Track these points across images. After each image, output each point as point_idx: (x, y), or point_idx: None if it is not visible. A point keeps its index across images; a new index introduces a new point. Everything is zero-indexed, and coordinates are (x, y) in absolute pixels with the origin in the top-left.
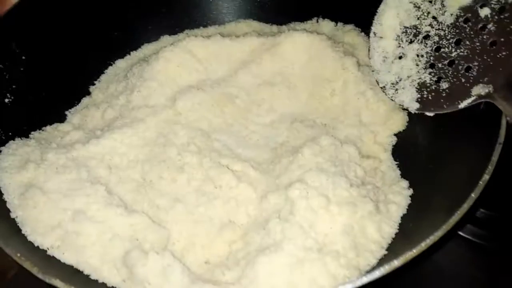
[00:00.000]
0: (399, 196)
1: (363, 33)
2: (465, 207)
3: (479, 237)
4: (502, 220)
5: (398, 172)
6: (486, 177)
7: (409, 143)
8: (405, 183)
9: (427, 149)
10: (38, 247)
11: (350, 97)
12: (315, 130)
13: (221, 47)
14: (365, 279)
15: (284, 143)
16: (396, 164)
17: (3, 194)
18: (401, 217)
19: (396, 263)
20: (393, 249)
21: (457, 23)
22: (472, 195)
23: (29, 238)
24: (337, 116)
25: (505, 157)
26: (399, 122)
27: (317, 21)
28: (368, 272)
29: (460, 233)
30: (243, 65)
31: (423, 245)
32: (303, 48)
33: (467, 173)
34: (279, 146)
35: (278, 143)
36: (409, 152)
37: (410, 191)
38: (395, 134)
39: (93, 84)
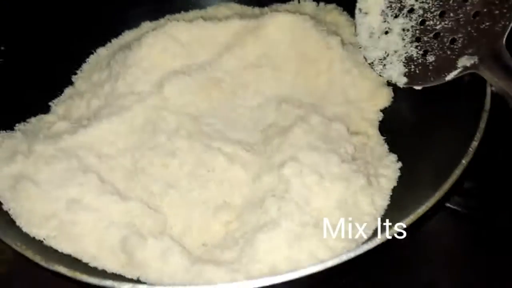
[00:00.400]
0: (388, 169)
1: (345, 12)
2: (457, 173)
3: (464, 207)
4: (486, 189)
5: (386, 146)
6: (475, 143)
7: (395, 118)
8: (393, 157)
9: (413, 123)
10: (34, 238)
11: (336, 76)
12: (303, 110)
13: (204, 31)
14: (364, 248)
15: (273, 124)
16: (384, 139)
17: None
18: (392, 189)
19: (392, 230)
20: (387, 219)
21: None
22: (463, 161)
23: (24, 230)
24: (324, 95)
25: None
26: (385, 98)
27: (299, 2)
28: (365, 243)
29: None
30: (227, 49)
31: (419, 211)
32: (287, 29)
33: (455, 143)
34: (268, 127)
35: (267, 124)
36: (396, 126)
37: (399, 164)
38: (381, 110)
39: (75, 74)
